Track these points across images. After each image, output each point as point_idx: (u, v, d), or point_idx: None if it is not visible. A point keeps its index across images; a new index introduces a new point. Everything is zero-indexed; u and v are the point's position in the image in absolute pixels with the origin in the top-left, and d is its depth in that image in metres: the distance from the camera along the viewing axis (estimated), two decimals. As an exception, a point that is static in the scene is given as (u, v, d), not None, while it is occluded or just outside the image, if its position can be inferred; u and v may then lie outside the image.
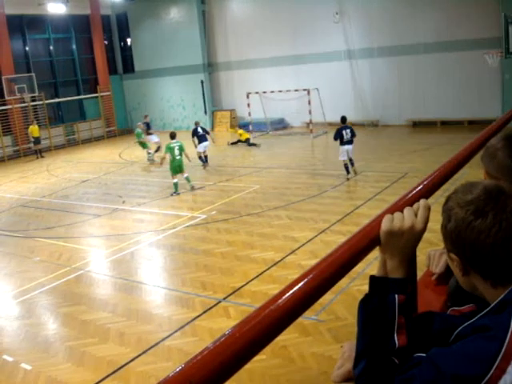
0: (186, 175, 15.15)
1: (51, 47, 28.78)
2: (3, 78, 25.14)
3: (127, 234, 11.85)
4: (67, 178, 19.00)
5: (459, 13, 21.14)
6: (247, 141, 22.57)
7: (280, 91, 25.22)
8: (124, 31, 31.71)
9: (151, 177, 17.88)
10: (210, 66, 29.12)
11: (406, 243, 1.44)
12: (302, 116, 25.40)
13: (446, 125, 22.48)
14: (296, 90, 24.60)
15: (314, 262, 1.40)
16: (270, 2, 26.08)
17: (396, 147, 19.05)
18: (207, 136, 18.82)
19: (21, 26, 27.10)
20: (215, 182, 16.09)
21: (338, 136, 14.70)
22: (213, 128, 28.55)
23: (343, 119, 15.05)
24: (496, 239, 1.28)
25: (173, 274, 9.39)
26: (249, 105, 25.04)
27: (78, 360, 6.71)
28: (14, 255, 11.10)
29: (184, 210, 13.27)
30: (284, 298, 1.20)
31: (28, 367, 6.64)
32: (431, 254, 2.16)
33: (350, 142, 14.68)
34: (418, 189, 1.97)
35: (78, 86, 29.99)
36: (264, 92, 25.68)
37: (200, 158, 18.54)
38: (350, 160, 14.94)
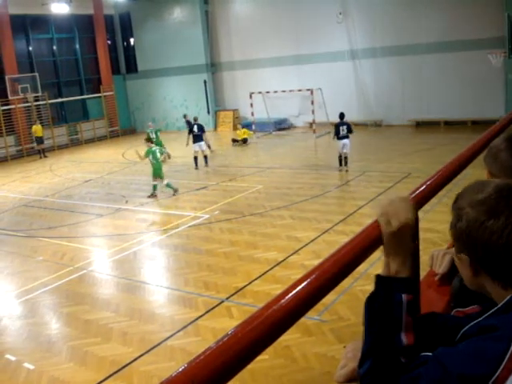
0: (165, 182, 14.84)
1: (54, 47, 28.82)
2: (6, 77, 25.18)
3: (130, 234, 11.86)
4: (70, 178, 19.03)
5: (463, 13, 21.10)
6: (245, 140, 22.73)
7: (283, 91, 25.24)
8: (127, 31, 31.73)
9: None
10: (213, 66, 29.14)
11: (402, 238, 1.42)
12: (304, 116, 25.41)
13: (450, 125, 22.46)
14: (299, 90, 24.61)
15: (316, 262, 1.40)
16: (273, 2, 26.08)
17: (399, 147, 19.03)
18: (203, 136, 18.68)
19: (24, 25, 27.15)
20: (218, 182, 16.09)
21: (336, 132, 15.79)
22: (216, 128, 28.56)
23: (341, 115, 15.95)
24: (508, 240, 1.26)
25: (175, 273, 9.40)
26: (252, 105, 25.07)
27: (81, 359, 6.72)
28: (17, 255, 11.11)
29: (187, 210, 13.27)
30: (287, 298, 1.20)
31: (31, 367, 6.65)
32: (434, 254, 2.16)
33: (345, 137, 15.65)
34: (421, 189, 1.97)
35: (81, 85, 30.03)
36: (267, 92, 25.70)
37: (195, 158, 18.31)
38: (345, 157, 15.90)
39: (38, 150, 25.02)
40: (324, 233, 10.48)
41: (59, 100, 28.58)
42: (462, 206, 1.38)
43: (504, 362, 1.13)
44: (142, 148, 15.82)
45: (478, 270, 1.36)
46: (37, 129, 24.45)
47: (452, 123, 22.45)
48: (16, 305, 8.75)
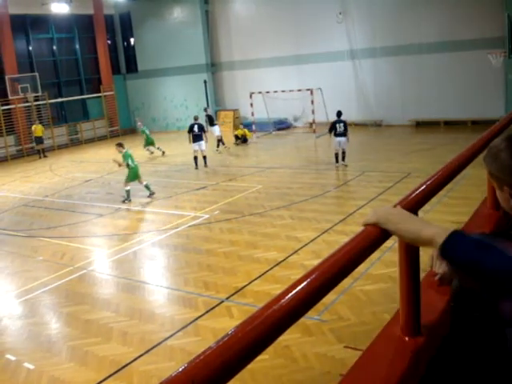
0: (144, 183, 14.75)
1: (54, 47, 28.82)
2: (7, 77, 25.19)
3: (130, 234, 11.86)
4: (70, 178, 19.03)
5: (463, 13, 21.11)
6: (245, 140, 22.81)
7: (283, 91, 25.25)
8: (127, 31, 31.73)
9: (154, 177, 17.87)
10: (214, 66, 29.14)
11: (399, 214, 1.57)
12: (305, 116, 25.42)
13: (449, 125, 22.46)
14: (299, 90, 24.62)
15: (316, 262, 1.40)
16: (273, 2, 26.08)
17: (399, 147, 19.04)
18: (203, 135, 18.68)
19: (24, 25, 27.15)
20: (218, 182, 16.10)
21: (332, 128, 16.28)
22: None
23: (338, 113, 16.45)
24: None
25: (175, 273, 9.40)
26: (252, 105, 25.07)
27: (81, 359, 6.72)
28: (17, 254, 11.12)
29: (187, 210, 13.27)
30: (287, 298, 1.20)
31: (31, 366, 6.65)
32: (434, 254, 2.16)
33: (342, 134, 16.08)
34: (421, 189, 1.97)
35: (81, 85, 30.04)
36: (267, 92, 25.70)
37: (195, 158, 18.37)
38: (343, 152, 16.34)
39: (37, 150, 24.99)
40: (324, 233, 10.48)
41: (59, 100, 28.58)
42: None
43: None
44: (118, 155, 15.17)
45: None
46: (36, 128, 24.44)
47: (452, 123, 22.45)
48: (16, 305, 8.75)
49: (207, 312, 7.61)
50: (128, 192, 14.55)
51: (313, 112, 23.59)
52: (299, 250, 9.69)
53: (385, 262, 8.29)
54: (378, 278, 8.00)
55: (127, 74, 32.25)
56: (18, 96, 25.53)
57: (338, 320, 6.95)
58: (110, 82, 30.46)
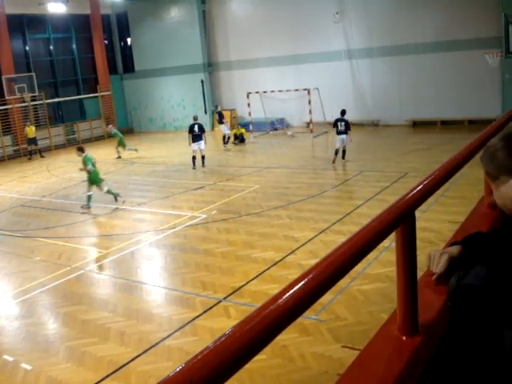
0: (106, 189, 14.30)
1: (51, 47, 28.77)
2: (3, 77, 25.15)
3: (127, 234, 11.85)
4: (67, 178, 19.01)
5: (459, 12, 21.15)
6: (242, 139, 22.92)
7: (280, 91, 25.25)
8: (124, 31, 31.70)
9: (151, 177, 17.88)
10: (211, 66, 29.13)
11: None
12: (302, 115, 25.42)
13: (446, 124, 22.49)
14: (296, 90, 24.62)
15: (314, 261, 1.40)
16: (270, 2, 26.08)
17: (396, 147, 19.06)
18: (202, 135, 18.67)
19: (21, 25, 27.10)
20: (215, 182, 16.09)
21: (334, 126, 16.95)
22: (213, 128, 28.54)
23: (342, 112, 16.96)
24: None
25: (173, 273, 9.40)
26: (249, 104, 25.06)
27: (79, 360, 6.72)
28: (14, 255, 11.10)
29: (184, 210, 13.27)
30: (284, 297, 1.21)
31: (28, 367, 6.64)
32: (431, 254, 2.17)
33: (342, 132, 16.61)
34: (418, 188, 1.97)
35: (78, 85, 29.99)
36: (264, 92, 25.70)
37: (193, 158, 18.37)
38: (343, 151, 16.83)
39: (29, 151, 24.90)
40: (321, 232, 10.48)
41: (56, 100, 28.54)
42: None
43: None
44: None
45: None
46: (29, 130, 24.45)
47: (449, 123, 22.49)
48: (13, 305, 8.74)
49: (205, 312, 7.61)
50: (89, 197, 14.07)
51: (310, 112, 23.60)
52: (296, 249, 9.70)
53: (382, 262, 8.30)
54: (376, 278, 8.01)
55: (124, 74, 32.22)
56: (15, 96, 25.48)
57: (336, 320, 6.96)
58: (107, 81, 30.42)
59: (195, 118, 19.30)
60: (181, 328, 7.23)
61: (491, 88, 21.16)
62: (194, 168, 18.28)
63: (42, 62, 28.33)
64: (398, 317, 1.91)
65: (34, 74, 26.35)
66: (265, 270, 8.87)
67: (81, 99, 29.76)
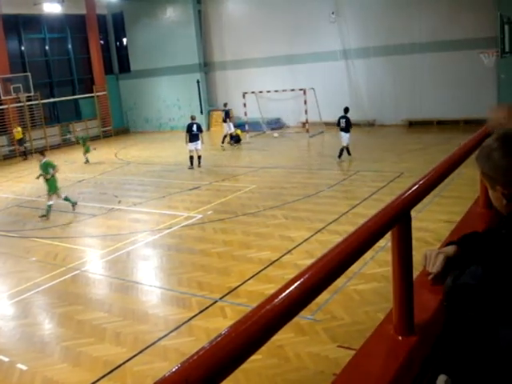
0: (63, 196, 13.98)
1: (47, 47, 28.73)
2: (-1, 77, 25.11)
3: (123, 234, 11.83)
4: (63, 178, 18.92)
5: (455, 12, 21.19)
6: (238, 140, 22.94)
7: (276, 91, 25.26)
8: (120, 31, 31.65)
9: (147, 177, 17.85)
10: (206, 66, 29.11)
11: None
12: (298, 115, 25.44)
13: (442, 124, 22.53)
14: (292, 90, 24.63)
15: (310, 261, 1.40)
16: (266, 2, 26.07)
17: (392, 147, 19.08)
18: (200, 135, 18.63)
19: (16, 25, 27.05)
20: (211, 182, 16.08)
21: (338, 123, 17.29)
22: (209, 128, 28.54)
23: (345, 109, 17.36)
24: None
25: (169, 273, 9.39)
26: (245, 104, 25.06)
27: (74, 360, 6.70)
28: (10, 255, 11.07)
29: (180, 210, 13.25)
30: (280, 297, 1.21)
31: (24, 367, 6.62)
32: (427, 253, 2.17)
33: (343, 129, 17.03)
34: (413, 188, 1.98)
35: (73, 85, 29.94)
36: (260, 92, 25.70)
37: (190, 158, 18.36)
38: (347, 149, 17.19)
39: (23, 152, 24.88)
40: (317, 232, 10.49)
41: (52, 100, 28.49)
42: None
43: None
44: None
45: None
46: (16, 132, 24.52)
47: (444, 123, 22.52)
48: (9, 305, 8.71)
49: (201, 312, 7.60)
50: (49, 207, 13.54)
51: (306, 112, 23.61)
52: (292, 249, 9.70)
53: (378, 262, 8.31)
54: (372, 278, 8.02)
55: (120, 74, 32.17)
56: (11, 96, 25.43)
57: (332, 319, 6.96)
58: (103, 81, 30.37)
59: (193, 118, 19.23)
60: (177, 328, 7.22)
61: (487, 88, 21.19)
62: (191, 167, 18.26)
63: (37, 62, 28.28)
64: (393, 317, 1.92)
65: (29, 74, 26.29)
66: (261, 270, 8.87)
67: (76, 99, 29.71)
